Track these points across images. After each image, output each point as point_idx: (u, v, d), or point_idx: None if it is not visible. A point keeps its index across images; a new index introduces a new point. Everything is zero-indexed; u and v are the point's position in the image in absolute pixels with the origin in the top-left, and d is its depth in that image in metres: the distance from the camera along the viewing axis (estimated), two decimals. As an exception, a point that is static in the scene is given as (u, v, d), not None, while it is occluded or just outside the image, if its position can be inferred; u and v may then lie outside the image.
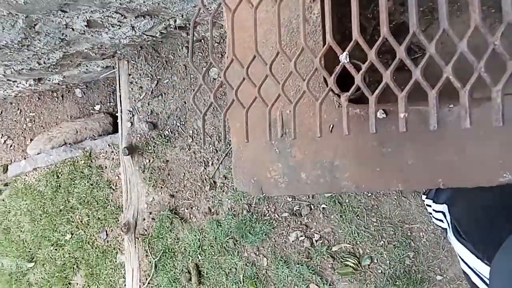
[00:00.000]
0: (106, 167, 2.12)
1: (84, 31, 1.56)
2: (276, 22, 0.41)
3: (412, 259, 1.44)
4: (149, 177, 1.80)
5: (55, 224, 2.14)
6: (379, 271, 1.46)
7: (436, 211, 0.76)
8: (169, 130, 1.80)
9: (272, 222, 1.59)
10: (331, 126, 0.57)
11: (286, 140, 0.60)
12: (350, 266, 1.48)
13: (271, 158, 0.61)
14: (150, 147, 1.80)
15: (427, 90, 0.36)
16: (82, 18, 1.45)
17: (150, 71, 1.92)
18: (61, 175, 2.19)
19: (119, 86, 1.94)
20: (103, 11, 1.43)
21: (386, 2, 0.39)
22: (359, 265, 1.47)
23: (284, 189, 0.61)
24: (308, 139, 0.58)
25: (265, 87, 0.46)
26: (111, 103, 2.30)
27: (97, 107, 2.45)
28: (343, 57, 0.40)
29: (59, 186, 2.16)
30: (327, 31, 0.41)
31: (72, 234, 2.16)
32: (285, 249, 1.58)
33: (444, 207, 0.71)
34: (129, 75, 1.97)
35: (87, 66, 2.08)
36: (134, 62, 1.93)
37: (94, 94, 2.44)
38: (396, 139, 0.53)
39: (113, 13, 1.46)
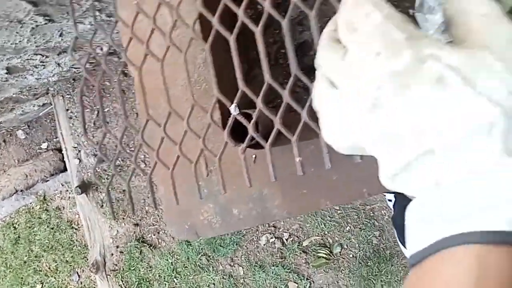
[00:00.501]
0: (64, 208, 2.05)
1: (6, 78, 1.49)
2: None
3: (379, 237, 1.48)
4: (108, 211, 1.76)
5: (21, 277, 2.06)
6: (351, 256, 1.50)
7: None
8: (119, 159, 1.76)
9: (240, 231, 1.60)
10: (255, 156, 0.57)
11: (213, 179, 0.59)
12: (323, 257, 1.51)
13: (201, 200, 0.60)
14: (103, 180, 1.75)
15: (289, 136, 0.37)
16: (0, 66, 1.38)
17: (88, 102, 1.86)
18: (18, 225, 2.10)
19: (59, 124, 1.87)
20: (20, 56, 1.37)
21: (263, 48, 0.39)
22: (331, 254, 1.51)
23: (218, 228, 0.61)
24: (233, 173, 0.58)
25: (186, 140, 0.45)
26: (58, 138, 2.22)
27: (44, 145, 2.35)
28: (232, 109, 0.40)
29: (18, 237, 2.07)
30: (213, 86, 0.41)
31: (42, 283, 2.09)
32: (258, 254, 1.60)
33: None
34: (67, 110, 1.90)
35: (22, 108, 1.99)
36: (69, 95, 1.86)
37: (38, 133, 2.34)
38: (317, 159, 0.54)
39: (32, 56, 1.40)
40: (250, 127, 0.40)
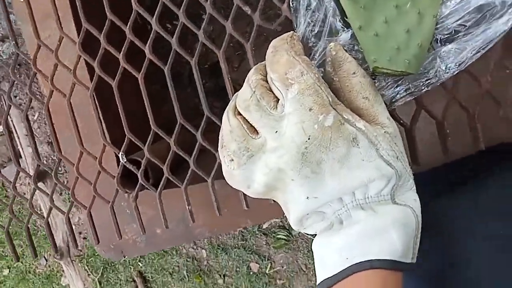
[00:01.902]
0: (24, 194, 2.02)
1: None
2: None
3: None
4: (68, 199, 1.75)
5: (-13, 264, 2.06)
6: (309, 236, 1.55)
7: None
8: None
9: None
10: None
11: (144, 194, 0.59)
12: (282, 239, 1.55)
13: (124, 219, 0.60)
14: (60, 168, 1.73)
15: (179, 184, 0.37)
16: None
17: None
18: (-21, 213, 2.07)
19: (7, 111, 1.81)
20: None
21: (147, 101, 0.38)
22: (290, 235, 1.55)
23: (143, 248, 0.62)
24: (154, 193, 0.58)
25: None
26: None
27: None
28: (120, 157, 0.40)
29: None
30: (100, 133, 0.40)
31: (9, 268, 2.09)
32: (220, 237, 1.63)
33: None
34: (15, 96, 1.84)
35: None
36: (15, 81, 1.78)
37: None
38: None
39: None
40: (139, 175, 0.40)
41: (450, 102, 0.39)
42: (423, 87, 0.37)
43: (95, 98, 0.45)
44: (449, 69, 0.36)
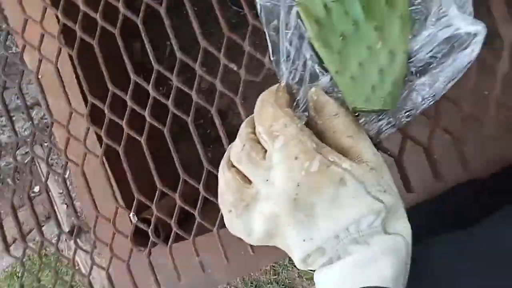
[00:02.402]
0: (62, 250, 2.08)
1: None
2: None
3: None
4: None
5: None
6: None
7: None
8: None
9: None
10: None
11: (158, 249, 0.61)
12: (313, 270, 1.53)
13: (146, 273, 0.62)
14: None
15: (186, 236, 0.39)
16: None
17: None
18: (21, 273, 2.13)
19: (42, 172, 1.90)
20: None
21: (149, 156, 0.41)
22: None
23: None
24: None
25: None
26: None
27: (36, 189, 2.38)
28: (132, 217, 0.42)
29: (22, 286, 2.10)
30: (112, 196, 0.43)
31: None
32: (252, 274, 1.62)
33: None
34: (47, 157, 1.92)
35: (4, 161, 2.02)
36: (47, 143, 1.88)
37: (28, 177, 2.36)
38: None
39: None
40: (150, 232, 0.42)
41: (434, 129, 0.40)
42: (403, 119, 0.39)
43: (106, 164, 0.49)
44: (425, 101, 0.38)
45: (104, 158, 0.48)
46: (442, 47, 0.37)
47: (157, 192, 0.44)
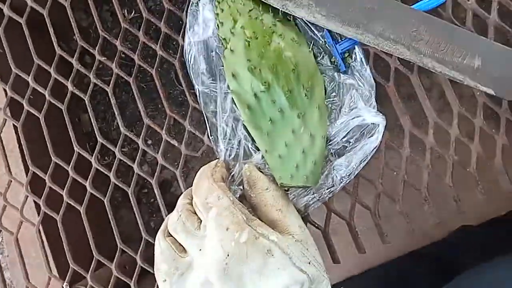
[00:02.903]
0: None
1: None
2: None
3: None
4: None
5: None
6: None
7: None
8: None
9: None
10: None
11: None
12: None
13: None
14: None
15: None
16: None
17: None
18: None
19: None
20: None
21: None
22: None
23: None
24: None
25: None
26: None
27: None
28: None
29: None
30: (45, 265, 0.42)
31: None
32: None
33: None
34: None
35: None
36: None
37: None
38: None
39: None
40: (82, 306, 0.41)
41: (353, 204, 0.45)
42: (325, 195, 0.43)
43: (42, 232, 0.48)
44: (342, 179, 0.42)
45: (40, 226, 0.47)
46: (354, 133, 0.43)
47: (93, 261, 0.44)
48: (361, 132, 0.42)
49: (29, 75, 0.54)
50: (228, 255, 0.35)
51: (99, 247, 0.48)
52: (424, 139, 0.44)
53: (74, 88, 0.52)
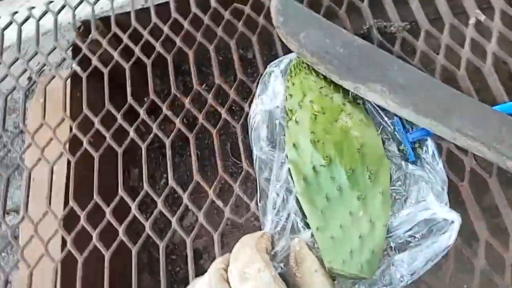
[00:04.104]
0: None
1: None
2: None
3: None
4: None
5: None
6: None
7: None
8: None
9: None
10: None
11: None
12: None
13: None
14: None
15: None
16: None
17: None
18: None
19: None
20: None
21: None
22: None
23: None
24: None
25: None
26: None
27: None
28: None
29: None
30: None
31: None
32: None
33: None
34: None
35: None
36: None
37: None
38: None
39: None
40: None
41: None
42: (379, 293, 0.36)
43: (59, 272, 0.43)
44: (403, 278, 0.35)
45: (59, 265, 0.42)
46: (420, 228, 0.37)
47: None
48: (429, 228, 0.36)
49: (96, 117, 0.54)
50: None
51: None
52: (503, 253, 0.36)
53: (135, 134, 0.51)
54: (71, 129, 0.55)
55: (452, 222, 0.34)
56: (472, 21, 0.51)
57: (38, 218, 0.47)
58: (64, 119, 0.56)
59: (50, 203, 0.48)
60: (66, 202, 0.51)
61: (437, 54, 0.48)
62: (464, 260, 0.37)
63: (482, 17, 0.52)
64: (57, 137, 0.54)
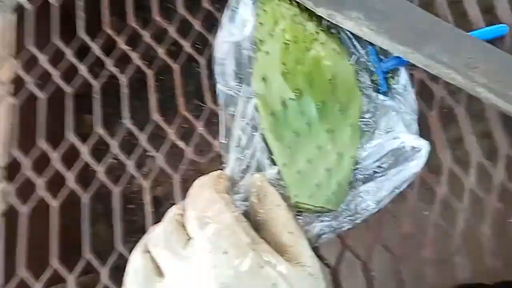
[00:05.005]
0: None
1: None
2: None
3: None
4: None
5: None
6: None
7: None
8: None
9: None
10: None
11: None
12: None
13: None
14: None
15: None
16: None
17: None
18: None
19: None
20: None
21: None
22: None
23: None
24: None
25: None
26: None
27: None
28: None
29: None
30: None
31: None
32: None
33: None
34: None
35: None
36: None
37: None
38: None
39: None
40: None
41: (373, 243, 0.36)
42: (344, 224, 0.34)
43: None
44: (368, 207, 0.34)
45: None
46: (388, 158, 0.35)
47: (49, 268, 0.34)
48: (396, 158, 0.34)
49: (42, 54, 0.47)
50: (221, 285, 0.25)
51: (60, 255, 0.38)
52: (464, 179, 0.36)
53: (88, 74, 0.45)
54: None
55: (419, 150, 0.33)
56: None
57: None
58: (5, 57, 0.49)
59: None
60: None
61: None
62: (427, 189, 0.36)
63: None
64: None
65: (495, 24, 0.40)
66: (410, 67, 0.37)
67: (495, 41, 0.38)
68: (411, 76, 0.38)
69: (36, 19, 0.51)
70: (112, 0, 0.50)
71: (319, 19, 0.40)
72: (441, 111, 0.37)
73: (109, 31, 0.48)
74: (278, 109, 0.37)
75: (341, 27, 0.39)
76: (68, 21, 0.52)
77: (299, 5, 0.41)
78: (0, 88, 0.46)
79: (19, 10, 0.52)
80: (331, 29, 0.41)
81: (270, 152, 0.37)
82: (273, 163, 0.36)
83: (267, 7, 0.41)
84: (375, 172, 0.35)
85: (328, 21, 0.40)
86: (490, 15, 0.42)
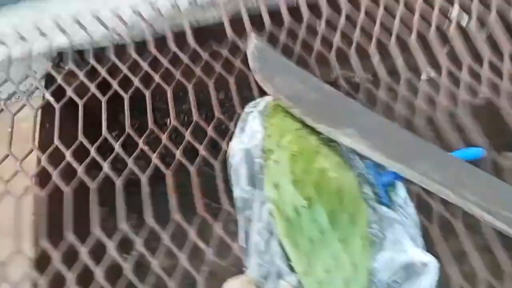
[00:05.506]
0: None
1: None
2: None
3: None
4: None
5: None
6: None
7: None
8: None
9: None
10: None
11: None
12: None
13: None
14: None
15: None
16: None
17: None
18: None
19: None
20: None
21: None
22: None
23: None
24: None
25: None
26: None
27: None
28: None
29: None
30: None
31: None
32: None
33: None
34: None
35: None
36: None
37: None
38: None
39: None
40: None
41: None
42: None
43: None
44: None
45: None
46: (402, 272, 0.36)
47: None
48: (408, 273, 0.36)
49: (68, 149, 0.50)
50: None
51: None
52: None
53: (110, 169, 0.48)
54: (39, 162, 0.50)
55: (427, 265, 0.35)
56: (424, 76, 0.55)
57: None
58: (32, 150, 0.51)
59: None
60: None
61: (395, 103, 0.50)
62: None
63: (432, 73, 0.56)
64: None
65: (471, 146, 0.44)
66: (407, 180, 0.40)
67: (472, 163, 0.42)
68: (408, 190, 0.42)
69: (61, 115, 0.54)
70: (131, 102, 0.54)
71: (320, 133, 0.45)
72: (441, 225, 0.40)
73: (130, 131, 0.51)
74: (292, 215, 0.39)
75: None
76: (90, 117, 0.55)
77: (302, 120, 0.46)
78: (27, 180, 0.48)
79: (46, 107, 0.55)
80: (332, 142, 0.45)
81: (287, 258, 0.38)
82: (291, 268, 0.38)
83: (274, 120, 0.46)
84: (388, 285, 0.36)
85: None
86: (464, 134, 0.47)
